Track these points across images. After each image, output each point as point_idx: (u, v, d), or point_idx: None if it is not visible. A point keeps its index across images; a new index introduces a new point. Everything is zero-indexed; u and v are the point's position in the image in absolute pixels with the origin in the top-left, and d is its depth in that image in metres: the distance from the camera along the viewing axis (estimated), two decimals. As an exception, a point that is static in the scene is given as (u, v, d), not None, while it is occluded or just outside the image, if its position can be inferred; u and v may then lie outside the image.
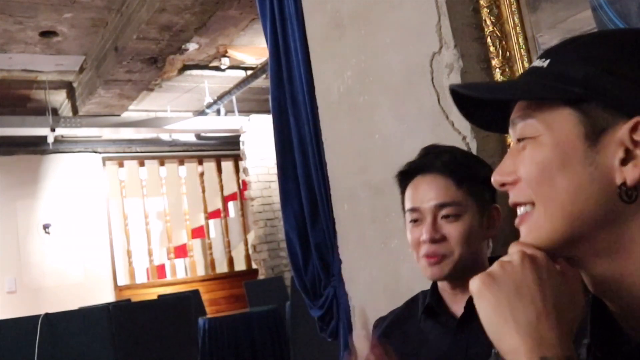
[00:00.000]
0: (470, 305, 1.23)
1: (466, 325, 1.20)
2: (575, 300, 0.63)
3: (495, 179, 0.70)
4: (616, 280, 0.63)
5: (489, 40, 1.59)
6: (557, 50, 0.68)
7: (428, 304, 1.30)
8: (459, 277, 1.23)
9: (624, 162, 0.61)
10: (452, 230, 1.21)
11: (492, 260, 1.32)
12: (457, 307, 1.25)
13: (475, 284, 0.64)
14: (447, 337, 1.24)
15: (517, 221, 0.69)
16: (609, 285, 0.64)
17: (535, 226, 0.65)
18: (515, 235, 0.69)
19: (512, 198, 0.69)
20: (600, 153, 0.61)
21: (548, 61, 0.66)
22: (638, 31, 0.68)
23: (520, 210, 0.68)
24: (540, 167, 0.64)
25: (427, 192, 1.24)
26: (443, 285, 1.29)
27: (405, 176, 1.30)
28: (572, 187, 0.62)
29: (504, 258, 0.65)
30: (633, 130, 0.60)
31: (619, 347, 0.65)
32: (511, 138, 0.71)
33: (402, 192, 1.32)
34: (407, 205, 1.28)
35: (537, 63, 0.68)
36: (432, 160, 1.26)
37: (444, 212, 1.22)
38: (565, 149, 0.63)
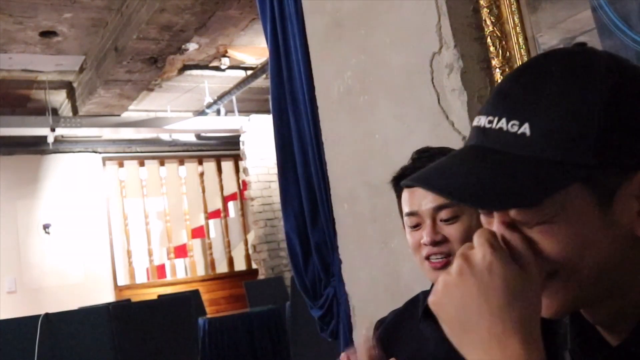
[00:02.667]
0: None
1: None
2: (537, 300, 0.58)
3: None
4: (611, 307, 0.63)
5: (489, 40, 1.59)
6: (527, 107, 0.58)
7: (427, 304, 1.30)
8: None
9: (639, 213, 0.59)
10: (452, 231, 1.22)
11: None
12: None
13: (438, 285, 0.60)
14: (446, 338, 1.24)
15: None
16: (610, 318, 0.63)
17: (563, 294, 0.60)
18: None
19: None
20: (616, 213, 0.58)
21: (527, 125, 0.57)
22: (600, 57, 0.61)
23: None
24: (563, 245, 0.58)
25: (424, 195, 1.23)
26: None
27: (399, 181, 1.29)
28: (598, 255, 0.59)
29: (469, 252, 0.59)
30: None
31: (600, 350, 0.64)
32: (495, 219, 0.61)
33: (398, 197, 1.32)
34: (405, 210, 1.27)
35: (511, 127, 0.58)
36: (426, 163, 1.25)
37: (442, 214, 1.22)
38: (585, 224, 0.58)
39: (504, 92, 0.61)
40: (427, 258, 1.23)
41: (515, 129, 0.58)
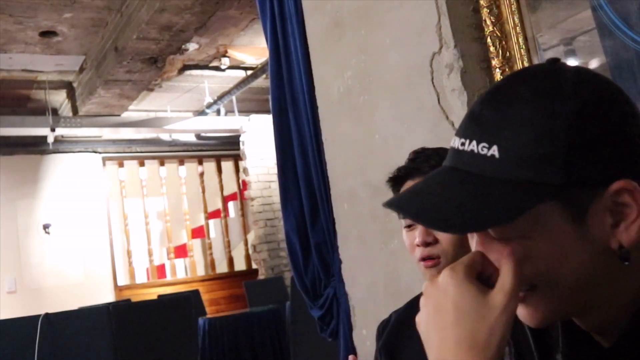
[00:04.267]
0: None
1: None
2: (497, 319, 0.58)
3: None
4: (598, 316, 0.64)
5: (489, 40, 1.59)
6: (496, 129, 0.60)
7: None
8: None
9: (613, 226, 0.60)
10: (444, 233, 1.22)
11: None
12: None
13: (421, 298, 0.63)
14: None
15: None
16: (591, 320, 0.65)
17: (544, 306, 0.62)
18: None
19: None
20: (591, 227, 0.60)
21: (496, 147, 0.59)
22: (563, 72, 0.62)
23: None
24: (543, 263, 0.60)
25: None
26: None
27: (396, 182, 1.30)
28: (575, 269, 0.60)
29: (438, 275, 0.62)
30: (613, 195, 0.59)
31: (592, 353, 0.65)
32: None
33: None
34: None
35: (481, 150, 0.60)
36: (421, 164, 1.26)
37: None
38: (560, 239, 0.59)
39: (475, 114, 0.63)
40: (422, 259, 1.24)
41: (485, 151, 0.60)
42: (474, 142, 0.61)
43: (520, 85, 0.62)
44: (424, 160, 1.27)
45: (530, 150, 0.58)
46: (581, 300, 0.62)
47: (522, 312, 0.63)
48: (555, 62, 0.64)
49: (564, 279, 0.60)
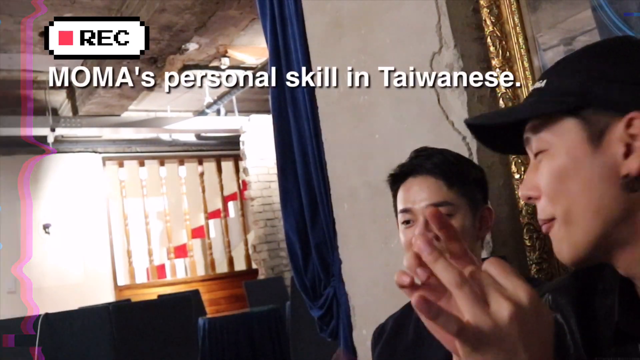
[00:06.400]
0: None
1: None
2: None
3: (522, 193, 0.74)
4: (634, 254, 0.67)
5: (489, 40, 1.59)
6: (552, 69, 0.75)
7: None
8: None
9: (626, 155, 0.65)
10: None
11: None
12: None
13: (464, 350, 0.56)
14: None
15: (546, 230, 0.72)
16: (636, 269, 0.67)
17: (566, 237, 0.69)
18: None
19: (538, 214, 0.73)
20: (605, 152, 0.66)
21: (545, 81, 0.74)
22: (620, 39, 0.74)
23: (544, 228, 0.72)
24: (556, 175, 0.69)
25: (419, 193, 1.24)
26: None
27: (396, 179, 1.29)
28: (586, 189, 0.67)
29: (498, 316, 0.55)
30: (628, 126, 0.65)
31: None
32: (530, 155, 0.75)
33: (394, 195, 1.32)
34: (399, 207, 1.27)
35: (537, 85, 0.75)
36: (423, 162, 1.26)
37: None
38: (575, 154, 0.68)
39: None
40: None
41: (539, 85, 0.75)
42: (537, 83, 0.76)
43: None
44: (426, 158, 1.26)
45: (563, 80, 0.71)
46: (603, 230, 0.66)
47: (555, 248, 0.71)
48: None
49: (576, 199, 0.67)
